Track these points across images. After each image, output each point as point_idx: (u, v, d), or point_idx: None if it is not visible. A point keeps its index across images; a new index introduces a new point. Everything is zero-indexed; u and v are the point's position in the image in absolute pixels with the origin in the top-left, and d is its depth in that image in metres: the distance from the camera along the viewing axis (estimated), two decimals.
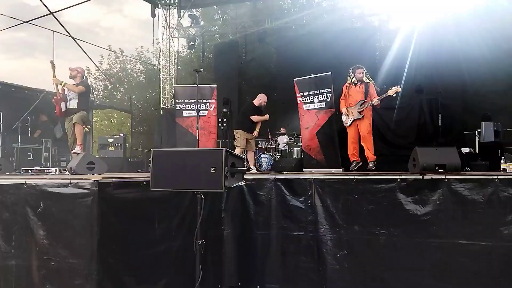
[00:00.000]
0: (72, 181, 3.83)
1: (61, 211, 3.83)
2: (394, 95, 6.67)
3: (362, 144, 6.82)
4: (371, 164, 6.71)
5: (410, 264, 4.28)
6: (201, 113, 8.14)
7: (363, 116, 6.76)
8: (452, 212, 4.21)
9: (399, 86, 6.61)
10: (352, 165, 6.86)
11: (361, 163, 6.84)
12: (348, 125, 6.93)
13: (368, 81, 6.89)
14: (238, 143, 8.19)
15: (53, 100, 7.08)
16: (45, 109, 10.07)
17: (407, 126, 9.50)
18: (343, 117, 7.00)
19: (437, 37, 11.43)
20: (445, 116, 8.08)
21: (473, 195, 4.17)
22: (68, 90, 7.07)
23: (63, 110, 7.08)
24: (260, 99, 8.32)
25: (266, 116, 8.38)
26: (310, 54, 13.23)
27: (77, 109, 7.04)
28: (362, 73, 6.87)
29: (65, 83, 7.01)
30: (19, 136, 8.93)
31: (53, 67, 7.04)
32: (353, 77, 6.92)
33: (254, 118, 8.19)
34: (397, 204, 4.37)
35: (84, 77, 7.33)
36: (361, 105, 6.76)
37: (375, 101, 6.62)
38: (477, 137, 8.63)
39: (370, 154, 6.76)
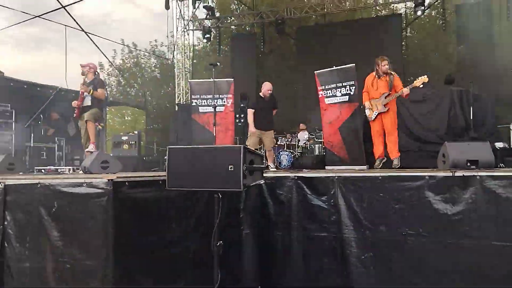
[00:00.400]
0: (87, 180, 3.75)
1: (76, 211, 3.74)
2: (422, 86, 6.38)
3: (386, 139, 6.56)
4: (395, 161, 6.42)
5: (440, 267, 4.07)
6: (218, 108, 8.01)
7: (388, 109, 6.50)
8: (485, 212, 4.00)
9: (426, 76, 6.30)
10: (376, 163, 6.62)
11: (385, 160, 6.59)
12: (372, 119, 6.66)
13: (392, 72, 6.60)
14: (248, 141, 7.67)
15: (74, 104, 7.03)
16: (57, 107, 10.05)
17: (436, 119, 8.94)
18: (367, 111, 6.74)
19: (469, 23, 11.06)
20: (477, 108, 7.71)
21: (508, 193, 3.95)
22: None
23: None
24: (263, 88, 7.75)
25: (251, 128, 7.51)
26: (331, 45, 13.03)
27: (90, 107, 6.96)
28: (387, 64, 6.59)
29: (93, 91, 6.93)
30: (32, 135, 8.92)
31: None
32: (377, 69, 6.65)
33: (249, 112, 7.60)
34: (426, 203, 4.17)
35: (97, 73, 7.21)
36: (385, 97, 6.50)
37: (405, 90, 6.31)
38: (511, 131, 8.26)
39: (394, 151, 6.48)
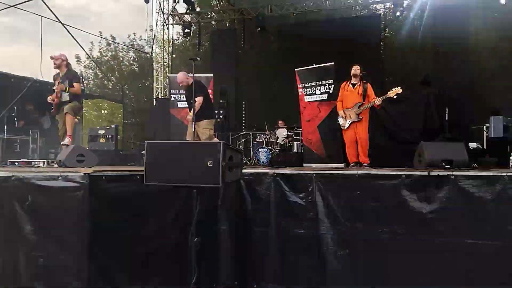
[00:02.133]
0: (62, 174, 3.68)
1: (50, 205, 3.68)
2: (395, 97, 6.50)
3: (358, 146, 6.67)
4: (365, 166, 6.54)
5: (415, 265, 4.14)
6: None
7: (361, 119, 6.59)
8: (459, 210, 4.08)
9: (400, 87, 6.43)
10: (352, 165, 6.70)
11: (360, 166, 6.68)
12: (345, 127, 6.74)
13: (365, 81, 6.68)
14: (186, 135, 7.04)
15: (49, 100, 6.79)
16: (32, 98, 9.80)
17: (412, 119, 9.14)
18: (340, 120, 6.82)
19: (445, 26, 11.25)
20: (452, 109, 7.85)
21: (481, 193, 4.04)
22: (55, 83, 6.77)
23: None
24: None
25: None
26: (312, 43, 13.07)
27: (69, 101, 6.74)
28: (358, 70, 6.66)
29: (69, 88, 6.71)
30: (5, 127, 8.68)
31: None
32: (350, 77, 6.73)
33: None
34: (402, 202, 4.23)
35: (69, 64, 6.99)
36: (359, 107, 6.57)
37: (378, 100, 6.44)
38: (485, 132, 8.43)
39: (365, 158, 6.64)
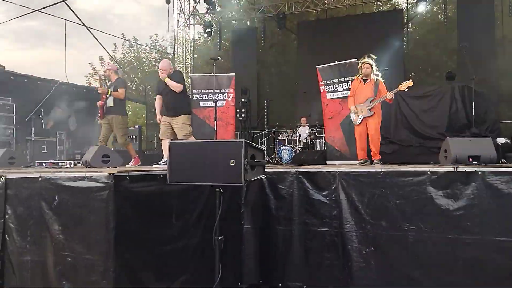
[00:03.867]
0: (87, 174, 3.72)
1: (77, 205, 3.71)
2: (407, 90, 6.45)
3: (370, 143, 6.63)
4: (377, 163, 6.48)
5: (441, 262, 4.05)
6: (218, 103, 7.99)
7: (373, 114, 6.53)
8: (487, 207, 3.96)
9: (411, 80, 6.39)
10: (360, 162, 6.63)
11: (368, 162, 6.61)
12: (357, 123, 6.71)
13: (377, 78, 6.64)
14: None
15: (98, 104, 7.18)
16: (58, 101, 10.01)
17: (437, 115, 8.82)
18: (352, 115, 6.79)
19: (470, 19, 11.02)
20: (478, 104, 7.64)
21: (510, 189, 3.91)
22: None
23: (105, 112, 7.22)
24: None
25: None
26: (333, 40, 13.01)
27: (114, 107, 7.14)
28: (370, 68, 6.61)
29: (111, 91, 7.09)
30: (33, 128, 8.88)
31: (100, 80, 7.39)
32: (360, 73, 6.68)
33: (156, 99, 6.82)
34: (428, 199, 4.13)
35: (119, 71, 7.48)
36: (370, 102, 6.52)
37: (389, 94, 6.40)
38: None
39: (376, 153, 6.59)
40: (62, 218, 3.75)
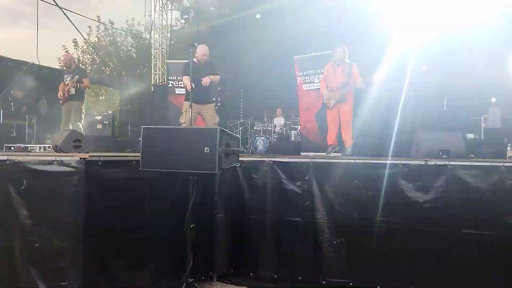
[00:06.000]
0: (58, 158, 3.64)
1: (46, 190, 3.64)
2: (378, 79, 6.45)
3: (342, 128, 6.64)
4: (349, 149, 6.51)
5: (410, 254, 4.15)
6: None
7: (346, 99, 6.54)
8: (455, 200, 4.08)
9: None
10: (329, 149, 6.69)
11: (338, 148, 6.65)
12: (330, 107, 6.70)
13: (349, 61, 6.62)
14: (182, 119, 6.46)
15: (60, 96, 7.74)
16: (28, 83, 9.74)
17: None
18: (325, 99, 6.77)
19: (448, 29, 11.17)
20: (450, 100, 7.78)
21: (478, 183, 4.05)
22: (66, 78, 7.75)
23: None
24: (197, 51, 6.46)
25: (206, 80, 6.33)
26: (311, 30, 12.97)
27: (75, 95, 7.76)
28: (342, 52, 6.60)
29: (80, 85, 7.70)
30: (1, 111, 8.62)
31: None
32: (334, 58, 6.67)
33: (184, 79, 6.41)
34: (398, 191, 4.22)
35: (76, 60, 7.73)
36: (343, 87, 6.52)
37: (359, 83, 6.41)
38: (483, 123, 8.40)
39: (348, 139, 6.59)
40: (30, 202, 3.67)
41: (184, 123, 6.35)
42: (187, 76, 6.23)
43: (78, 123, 7.86)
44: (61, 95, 7.71)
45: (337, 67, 6.67)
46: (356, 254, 4.32)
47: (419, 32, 9.21)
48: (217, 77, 6.58)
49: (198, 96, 6.22)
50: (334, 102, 6.61)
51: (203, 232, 4.14)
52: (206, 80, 6.31)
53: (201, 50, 6.45)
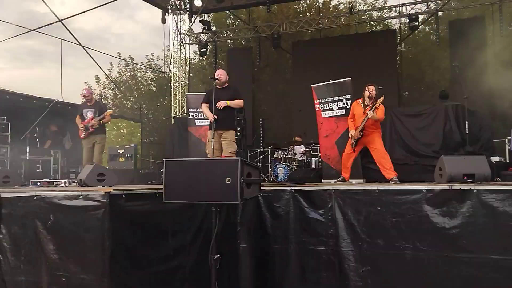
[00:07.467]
0: (83, 193, 3.70)
1: (72, 224, 3.69)
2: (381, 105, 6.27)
3: (379, 162, 6.34)
4: (394, 179, 6.13)
5: (438, 281, 4.04)
6: None
7: (366, 133, 6.37)
8: (482, 225, 3.96)
9: (382, 96, 6.21)
10: (340, 178, 6.59)
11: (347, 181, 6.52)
12: (353, 145, 6.55)
13: (379, 103, 6.28)
14: (207, 149, 6.39)
15: (81, 129, 7.63)
16: (54, 119, 10.01)
17: (432, 133, 8.69)
18: (351, 139, 6.58)
19: (461, 39, 11.19)
20: (472, 123, 7.67)
21: (505, 207, 3.92)
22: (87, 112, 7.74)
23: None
24: (216, 73, 6.39)
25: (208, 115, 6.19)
26: (327, 59, 13.14)
27: (97, 130, 7.67)
28: (374, 91, 6.38)
29: (102, 120, 7.67)
30: (28, 147, 8.87)
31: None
32: (363, 95, 6.49)
33: (202, 107, 6.42)
34: (423, 217, 4.14)
35: (95, 95, 7.86)
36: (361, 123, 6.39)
37: (370, 113, 6.18)
38: (507, 145, 8.25)
39: (391, 171, 6.24)
40: (57, 237, 3.72)
41: (208, 153, 6.27)
42: (204, 105, 6.31)
43: (102, 155, 7.91)
44: (82, 128, 7.56)
45: (364, 109, 6.42)
46: (383, 282, 4.22)
47: None
48: (237, 101, 6.32)
49: (216, 121, 6.12)
50: (355, 141, 6.46)
51: (227, 263, 4.12)
52: (220, 104, 6.11)
53: (217, 72, 6.42)
